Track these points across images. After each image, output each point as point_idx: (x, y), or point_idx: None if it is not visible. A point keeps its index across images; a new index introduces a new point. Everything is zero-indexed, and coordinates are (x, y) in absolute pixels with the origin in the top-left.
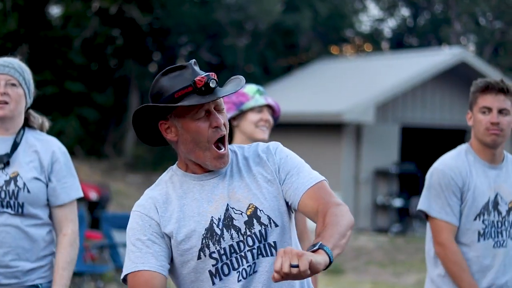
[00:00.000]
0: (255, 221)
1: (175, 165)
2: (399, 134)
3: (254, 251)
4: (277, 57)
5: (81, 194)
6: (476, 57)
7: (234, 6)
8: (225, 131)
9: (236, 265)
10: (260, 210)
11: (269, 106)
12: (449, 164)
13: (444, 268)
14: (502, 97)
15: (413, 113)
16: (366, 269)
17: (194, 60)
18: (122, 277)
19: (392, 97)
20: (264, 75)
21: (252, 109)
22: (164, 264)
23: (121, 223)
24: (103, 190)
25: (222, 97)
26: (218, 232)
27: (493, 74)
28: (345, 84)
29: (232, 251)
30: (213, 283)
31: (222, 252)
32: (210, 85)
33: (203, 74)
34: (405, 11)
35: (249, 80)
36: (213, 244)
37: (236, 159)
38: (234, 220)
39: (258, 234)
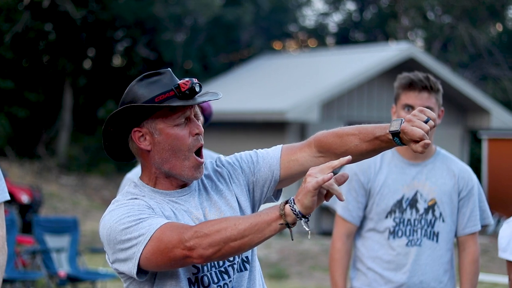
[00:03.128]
0: None
1: (138, 180)
2: None
3: (235, 266)
4: (218, 53)
5: (7, 197)
6: (425, 53)
7: (173, 0)
8: (202, 141)
9: (216, 279)
10: None
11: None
12: None
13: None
14: (425, 95)
15: (359, 111)
16: (310, 274)
17: (169, 69)
18: (152, 235)
19: (338, 95)
20: (204, 71)
21: None
22: None
23: (54, 227)
24: (35, 192)
25: (204, 102)
26: None
27: (442, 70)
28: (289, 81)
29: (212, 265)
30: None
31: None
32: (196, 89)
33: (184, 79)
34: (350, 5)
35: (188, 76)
36: None
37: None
38: None
39: None
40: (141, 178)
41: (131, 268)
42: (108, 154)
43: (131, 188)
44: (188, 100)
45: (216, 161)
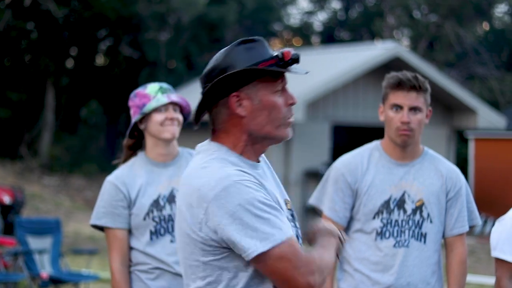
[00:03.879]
0: None
1: (215, 144)
2: (330, 133)
3: None
4: (202, 52)
5: None
6: (411, 52)
7: None
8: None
9: None
10: None
11: (174, 103)
12: (345, 160)
13: None
14: (414, 95)
15: (344, 110)
16: None
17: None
18: (263, 249)
19: (323, 94)
20: (188, 70)
21: (156, 110)
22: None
23: (37, 228)
24: (17, 193)
25: (306, 72)
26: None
27: (428, 70)
28: None
29: None
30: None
31: None
32: (298, 59)
33: (284, 49)
34: (336, 4)
35: (172, 76)
36: None
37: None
38: None
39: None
40: (219, 142)
41: (257, 246)
42: (196, 118)
43: (221, 154)
44: (289, 69)
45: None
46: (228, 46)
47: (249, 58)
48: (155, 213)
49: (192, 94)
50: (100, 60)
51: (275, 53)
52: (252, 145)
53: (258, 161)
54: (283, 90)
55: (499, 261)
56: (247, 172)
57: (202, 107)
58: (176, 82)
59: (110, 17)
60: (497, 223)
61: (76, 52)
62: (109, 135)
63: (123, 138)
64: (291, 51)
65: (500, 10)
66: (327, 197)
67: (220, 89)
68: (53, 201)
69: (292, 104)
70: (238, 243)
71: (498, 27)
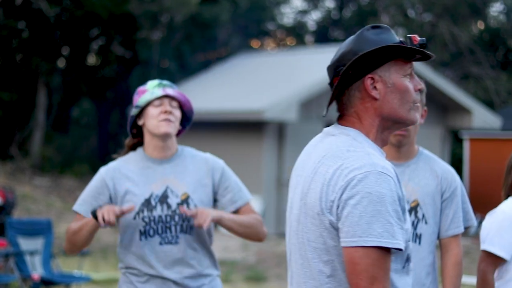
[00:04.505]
0: None
1: (362, 134)
2: None
3: None
4: (194, 51)
5: None
6: None
7: None
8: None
9: None
10: None
11: (171, 98)
12: None
13: None
14: None
15: None
16: None
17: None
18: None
19: (317, 94)
20: (181, 70)
21: (151, 104)
22: None
23: (28, 229)
24: (8, 194)
25: (432, 57)
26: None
27: (423, 69)
28: (267, 80)
29: None
30: None
31: None
32: (425, 44)
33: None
34: (330, 3)
35: (165, 76)
36: None
37: None
38: None
39: None
40: (351, 127)
41: (398, 241)
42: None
43: (362, 139)
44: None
45: None
46: (357, 33)
47: (379, 42)
48: (146, 213)
49: (184, 94)
50: (92, 59)
51: (402, 39)
52: (382, 132)
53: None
54: (411, 75)
55: (486, 253)
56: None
57: (337, 91)
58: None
59: (102, 16)
60: (487, 216)
61: (67, 51)
62: (101, 135)
63: (115, 138)
64: (417, 36)
65: (495, 9)
66: None
67: (356, 70)
68: (44, 202)
69: (420, 90)
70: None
71: (493, 26)
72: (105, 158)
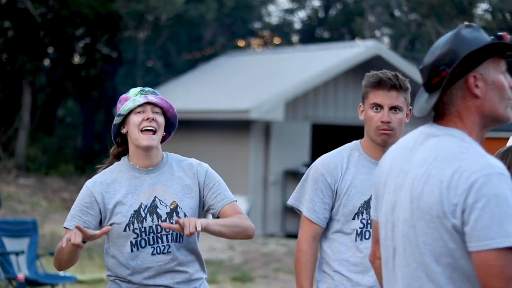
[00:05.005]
0: None
1: (466, 134)
2: (310, 132)
3: None
4: (180, 51)
5: None
6: (391, 51)
7: None
8: None
9: None
10: None
11: (153, 104)
12: (324, 160)
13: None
14: (394, 94)
15: (324, 109)
16: (276, 277)
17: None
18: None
19: (303, 93)
20: (166, 70)
21: (133, 111)
22: None
23: (13, 230)
24: None
25: None
26: None
27: (409, 68)
28: (253, 80)
29: None
30: None
31: None
32: None
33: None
34: (316, 2)
35: (150, 75)
36: None
37: None
38: None
39: None
40: (453, 127)
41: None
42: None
43: (470, 140)
44: None
45: None
46: (453, 32)
47: (476, 40)
48: (136, 224)
49: (170, 93)
50: (77, 59)
51: (499, 35)
52: (481, 130)
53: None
54: (505, 72)
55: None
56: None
57: (442, 90)
58: (154, 81)
59: (88, 15)
60: None
61: (53, 51)
62: (86, 135)
63: (100, 138)
64: (507, 33)
65: (481, 8)
66: (306, 198)
67: (460, 69)
68: (29, 202)
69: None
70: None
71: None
72: (90, 158)
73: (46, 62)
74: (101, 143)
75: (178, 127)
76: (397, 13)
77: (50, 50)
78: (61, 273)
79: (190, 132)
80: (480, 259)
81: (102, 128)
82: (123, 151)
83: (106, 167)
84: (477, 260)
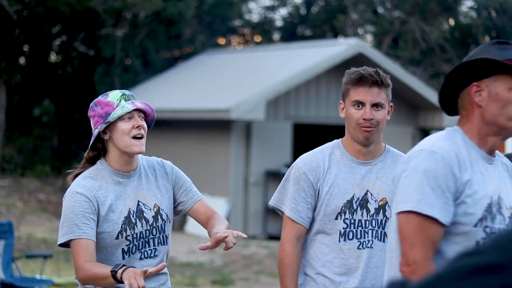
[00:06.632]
0: None
1: (462, 131)
2: (291, 132)
3: None
4: (159, 49)
5: None
6: (374, 49)
7: None
8: None
9: None
10: None
11: (139, 110)
12: (306, 158)
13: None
14: (376, 90)
15: (306, 109)
16: (257, 279)
17: None
18: None
19: (284, 92)
20: (145, 68)
21: (121, 118)
22: None
23: None
24: None
25: None
26: (494, 212)
27: (392, 67)
28: (233, 78)
29: None
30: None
31: None
32: None
33: None
34: None
35: (128, 73)
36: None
37: None
38: None
39: None
40: (460, 125)
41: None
42: (441, 103)
43: (453, 133)
44: None
45: None
46: (484, 43)
47: (498, 54)
48: (128, 231)
49: (149, 92)
50: (53, 57)
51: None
52: (486, 136)
53: (491, 155)
54: None
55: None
56: (455, 154)
57: (445, 87)
58: (132, 79)
59: (64, 12)
60: None
61: (28, 48)
62: (62, 135)
63: (76, 138)
64: None
65: (466, 5)
66: (288, 198)
67: (465, 76)
68: (4, 204)
69: None
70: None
71: (464, 23)
72: (67, 159)
73: (22, 60)
74: (78, 144)
75: (158, 127)
76: (380, 10)
77: (26, 48)
78: (37, 276)
79: (169, 132)
80: (397, 222)
81: (78, 128)
82: (96, 155)
83: (80, 172)
84: (396, 223)
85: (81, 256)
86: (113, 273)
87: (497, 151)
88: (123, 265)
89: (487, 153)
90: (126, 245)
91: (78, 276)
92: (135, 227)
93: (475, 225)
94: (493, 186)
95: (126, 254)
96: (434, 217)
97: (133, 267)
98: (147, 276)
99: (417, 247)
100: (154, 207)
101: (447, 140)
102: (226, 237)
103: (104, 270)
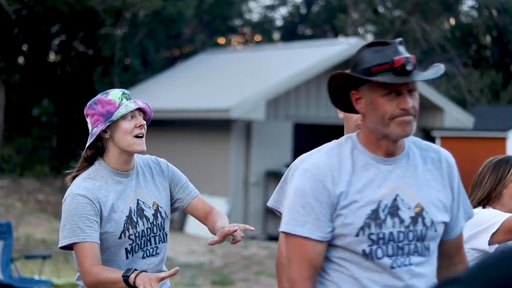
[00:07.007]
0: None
1: (356, 136)
2: (292, 132)
3: None
4: (158, 48)
5: None
6: None
7: None
8: (412, 115)
9: None
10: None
11: (139, 109)
12: (304, 159)
13: None
14: None
15: (307, 108)
16: (257, 280)
17: (401, 39)
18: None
19: (284, 92)
20: (144, 67)
21: (123, 117)
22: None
23: None
24: None
25: (416, 81)
26: (382, 217)
27: None
28: (233, 78)
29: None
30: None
31: None
32: (406, 67)
33: (404, 54)
34: None
35: (127, 73)
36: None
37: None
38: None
39: None
40: (359, 133)
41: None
42: (335, 105)
43: (339, 142)
44: (398, 77)
45: None
46: (364, 45)
47: (370, 60)
48: (131, 230)
49: (148, 92)
50: (52, 56)
51: (391, 60)
52: (377, 141)
53: (391, 156)
54: (400, 94)
55: None
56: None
57: (334, 97)
58: (132, 79)
59: (64, 11)
60: None
61: (27, 48)
62: (62, 135)
63: (76, 138)
64: (403, 59)
65: (467, 5)
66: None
67: (343, 85)
68: (3, 204)
69: (403, 109)
70: None
71: (465, 23)
72: (66, 159)
73: (21, 60)
74: (77, 144)
75: (157, 127)
76: (381, 9)
77: (25, 47)
78: (36, 277)
79: (169, 132)
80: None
81: (77, 128)
82: (94, 154)
83: (78, 172)
84: None
85: (88, 260)
86: (125, 278)
87: (427, 143)
88: (135, 269)
89: (386, 155)
90: (129, 244)
91: (86, 280)
92: (137, 226)
93: (357, 235)
94: (386, 189)
95: (130, 254)
96: (304, 236)
97: (145, 271)
98: (160, 280)
99: (294, 265)
100: (153, 205)
101: (328, 152)
102: (235, 230)
103: (115, 274)
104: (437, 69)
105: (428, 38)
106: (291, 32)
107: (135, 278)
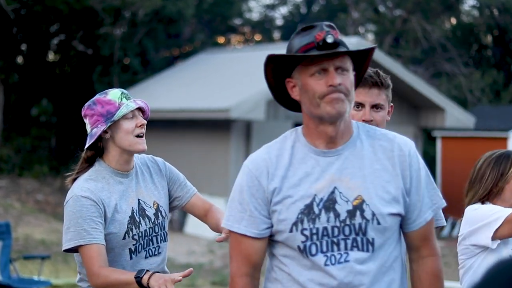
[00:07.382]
0: None
1: (300, 128)
2: None
3: None
4: (158, 48)
5: None
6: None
7: None
8: (343, 92)
9: None
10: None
11: (138, 109)
12: None
13: None
14: (376, 91)
15: None
16: None
17: (330, 22)
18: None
19: None
20: (144, 67)
21: (124, 117)
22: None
23: None
24: None
25: (340, 53)
26: (317, 211)
27: (393, 66)
28: (233, 78)
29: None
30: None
31: None
32: (327, 40)
33: (323, 30)
34: None
35: (127, 73)
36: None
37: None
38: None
39: None
40: (303, 127)
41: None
42: (281, 104)
43: (283, 136)
44: (326, 51)
45: None
46: (294, 32)
47: (298, 43)
48: (134, 231)
49: (148, 92)
50: (51, 56)
51: (313, 36)
52: (316, 128)
53: (333, 147)
54: (327, 72)
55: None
56: (279, 154)
57: (270, 87)
58: (131, 79)
59: (63, 11)
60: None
61: (26, 48)
62: (61, 135)
63: (75, 138)
64: (323, 32)
65: (468, 4)
66: None
67: (278, 74)
68: (2, 204)
69: (331, 85)
70: None
71: (466, 22)
72: (65, 159)
73: (20, 59)
74: (76, 144)
75: (157, 127)
76: (381, 9)
77: (24, 47)
78: (35, 278)
79: (169, 132)
80: None
81: (76, 128)
82: (94, 155)
83: (79, 174)
84: None
85: (95, 262)
86: (138, 279)
87: (384, 132)
88: (147, 270)
89: (327, 144)
90: (133, 245)
91: (94, 283)
92: (140, 225)
93: (290, 230)
94: (324, 182)
95: (133, 254)
96: (240, 233)
97: (157, 272)
98: (175, 282)
99: (233, 261)
100: (153, 204)
101: (269, 147)
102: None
103: (125, 276)
104: (366, 46)
105: (429, 38)
106: (291, 32)
107: (148, 279)
